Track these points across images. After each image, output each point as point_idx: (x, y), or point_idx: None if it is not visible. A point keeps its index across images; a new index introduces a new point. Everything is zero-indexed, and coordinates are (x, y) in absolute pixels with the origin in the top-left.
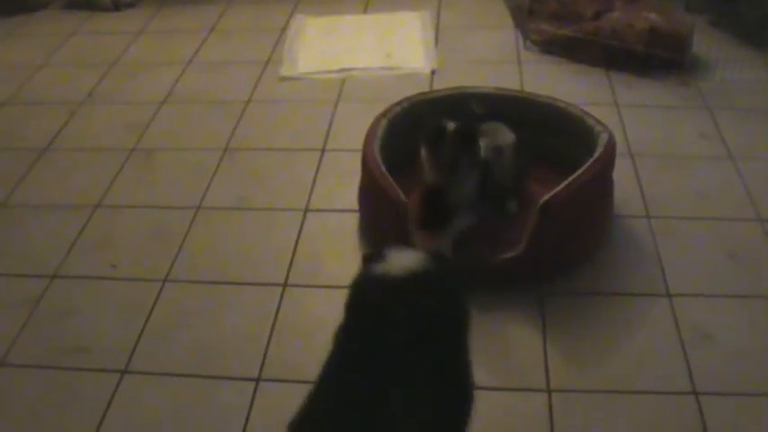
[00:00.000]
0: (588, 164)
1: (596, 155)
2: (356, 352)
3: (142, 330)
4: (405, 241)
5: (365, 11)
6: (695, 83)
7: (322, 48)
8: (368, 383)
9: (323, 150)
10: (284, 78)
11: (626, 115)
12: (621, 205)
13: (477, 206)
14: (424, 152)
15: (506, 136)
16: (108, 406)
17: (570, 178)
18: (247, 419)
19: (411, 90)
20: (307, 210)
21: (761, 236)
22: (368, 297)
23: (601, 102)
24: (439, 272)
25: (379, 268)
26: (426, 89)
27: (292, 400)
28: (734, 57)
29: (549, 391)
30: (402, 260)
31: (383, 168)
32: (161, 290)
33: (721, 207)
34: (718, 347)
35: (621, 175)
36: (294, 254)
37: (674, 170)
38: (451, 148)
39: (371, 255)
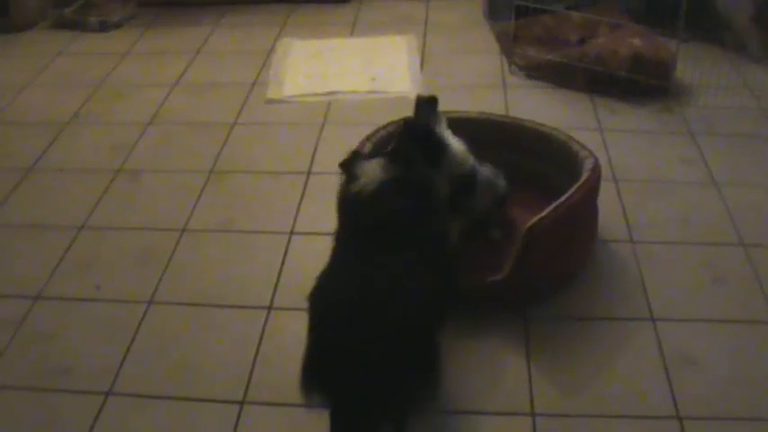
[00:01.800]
0: (574, 189)
1: (582, 180)
2: (352, 241)
3: (126, 352)
4: None
5: (351, 34)
6: (678, 108)
7: (308, 71)
8: (363, 257)
9: (309, 173)
10: (270, 101)
11: (609, 140)
12: (605, 230)
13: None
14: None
15: (502, 186)
16: (91, 428)
17: (556, 203)
18: None
19: (396, 114)
20: (292, 233)
21: (744, 260)
22: (350, 210)
23: (585, 127)
24: (405, 175)
25: (354, 186)
26: (411, 113)
27: (277, 422)
28: (716, 83)
29: (533, 414)
30: (370, 173)
31: None
32: (146, 312)
33: (704, 232)
34: (702, 372)
35: (605, 199)
36: (279, 277)
37: (657, 195)
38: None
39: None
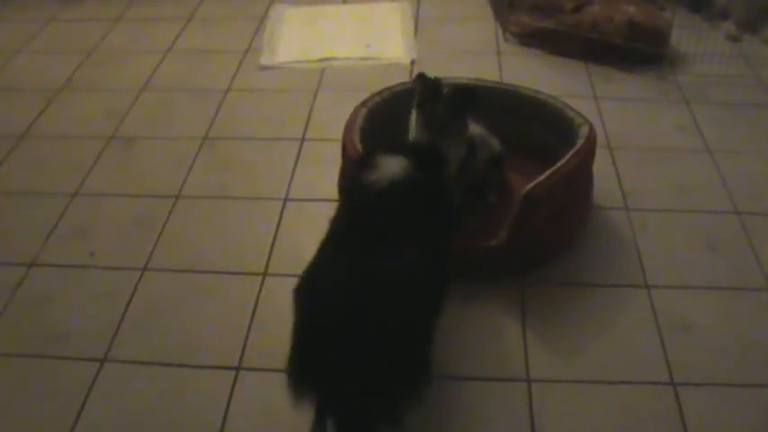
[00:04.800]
0: (570, 155)
1: (577, 146)
2: (348, 231)
3: (121, 319)
4: None
5: (345, 1)
6: (673, 76)
7: (302, 37)
8: (356, 249)
9: (303, 140)
10: (264, 67)
11: (605, 108)
12: (600, 197)
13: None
14: (415, 110)
15: (497, 145)
16: (87, 394)
17: (552, 169)
18: (227, 408)
19: (391, 80)
20: (286, 199)
21: (738, 228)
22: (359, 199)
23: (580, 94)
24: (425, 175)
25: (370, 174)
26: (406, 80)
27: (272, 388)
28: (712, 51)
29: (528, 380)
30: (390, 166)
31: None
32: (140, 278)
33: (699, 199)
34: (696, 338)
35: (600, 167)
36: (274, 243)
37: (652, 163)
38: (446, 108)
39: (364, 158)
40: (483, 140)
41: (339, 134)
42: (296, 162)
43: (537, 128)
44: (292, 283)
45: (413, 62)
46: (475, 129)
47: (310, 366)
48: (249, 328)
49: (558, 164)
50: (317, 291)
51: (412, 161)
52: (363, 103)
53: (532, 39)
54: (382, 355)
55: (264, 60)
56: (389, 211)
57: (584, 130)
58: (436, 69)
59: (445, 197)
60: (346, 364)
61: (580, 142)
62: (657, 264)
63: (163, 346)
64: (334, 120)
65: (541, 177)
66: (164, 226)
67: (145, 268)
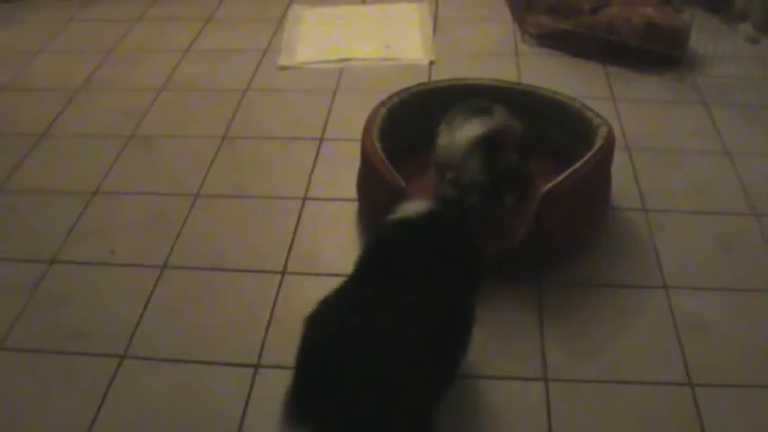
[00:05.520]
0: (588, 155)
1: (596, 147)
2: (371, 273)
3: (141, 316)
4: None
5: (363, 1)
6: (692, 78)
7: (320, 38)
8: (377, 292)
9: (321, 139)
10: (282, 68)
11: (622, 109)
12: (618, 198)
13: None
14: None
15: (517, 127)
16: (107, 391)
17: (571, 169)
18: (246, 406)
19: (409, 81)
20: (305, 198)
21: (756, 229)
22: (383, 237)
23: (597, 95)
24: (449, 217)
25: (393, 215)
26: (425, 80)
27: None
28: (730, 53)
29: (546, 380)
30: (413, 207)
31: (382, 155)
32: (160, 276)
33: (717, 201)
34: (714, 339)
35: (618, 168)
36: (293, 242)
37: (670, 164)
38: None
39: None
40: (505, 128)
41: (358, 134)
42: (314, 162)
43: (555, 129)
44: (311, 281)
45: (431, 63)
46: (495, 118)
47: (302, 400)
48: (268, 325)
49: (577, 164)
50: (323, 322)
51: (435, 204)
52: (382, 104)
53: (550, 40)
54: (370, 403)
55: (283, 60)
56: (405, 248)
57: (602, 131)
58: (455, 70)
59: (469, 242)
60: (335, 406)
61: (599, 143)
62: (675, 264)
63: (182, 343)
64: (352, 120)
65: (560, 177)
66: (183, 224)
67: (164, 266)
